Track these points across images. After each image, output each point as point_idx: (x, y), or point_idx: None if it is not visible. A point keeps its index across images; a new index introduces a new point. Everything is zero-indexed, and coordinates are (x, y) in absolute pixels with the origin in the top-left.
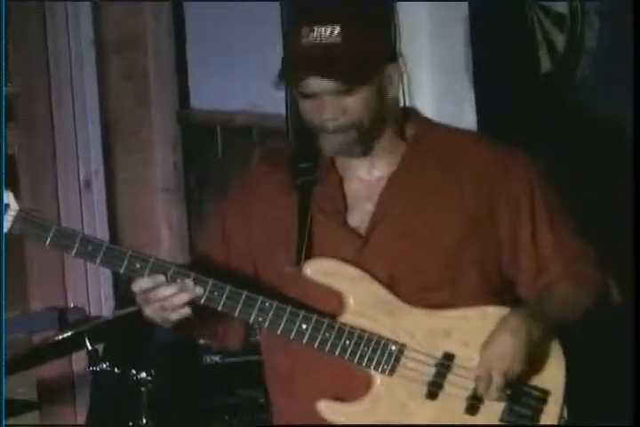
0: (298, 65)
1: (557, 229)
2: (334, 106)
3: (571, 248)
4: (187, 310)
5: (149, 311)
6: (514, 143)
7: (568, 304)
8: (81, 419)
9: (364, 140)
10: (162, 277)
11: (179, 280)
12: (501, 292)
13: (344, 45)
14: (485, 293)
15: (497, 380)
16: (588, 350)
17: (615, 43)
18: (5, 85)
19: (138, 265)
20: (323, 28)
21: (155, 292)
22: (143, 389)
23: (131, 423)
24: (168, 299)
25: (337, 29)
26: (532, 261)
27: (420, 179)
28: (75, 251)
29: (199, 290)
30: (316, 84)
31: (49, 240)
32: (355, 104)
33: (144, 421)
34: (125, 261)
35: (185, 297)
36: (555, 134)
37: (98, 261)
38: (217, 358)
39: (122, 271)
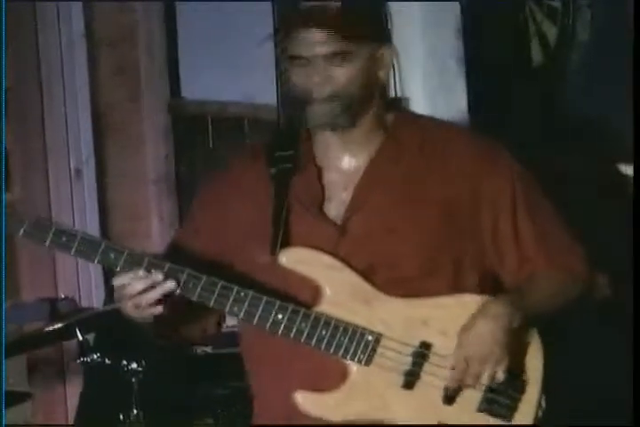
0: (295, 17)
1: (540, 222)
2: (323, 72)
3: (554, 241)
4: (159, 309)
5: (128, 308)
6: (505, 135)
7: (550, 294)
8: (72, 410)
9: (348, 112)
10: (138, 273)
11: (152, 272)
12: (482, 285)
13: (343, 8)
14: (463, 284)
15: (474, 367)
16: (589, 350)
17: (607, 36)
18: (5, 88)
19: (112, 256)
20: None
21: (128, 288)
22: (134, 379)
23: (121, 414)
24: (141, 295)
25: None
26: (514, 254)
27: (397, 169)
28: (48, 242)
29: (171, 284)
30: (309, 45)
31: (22, 232)
32: (343, 75)
33: (135, 411)
34: (99, 252)
35: (157, 293)
36: (545, 126)
37: (72, 251)
38: (208, 349)
39: (96, 262)
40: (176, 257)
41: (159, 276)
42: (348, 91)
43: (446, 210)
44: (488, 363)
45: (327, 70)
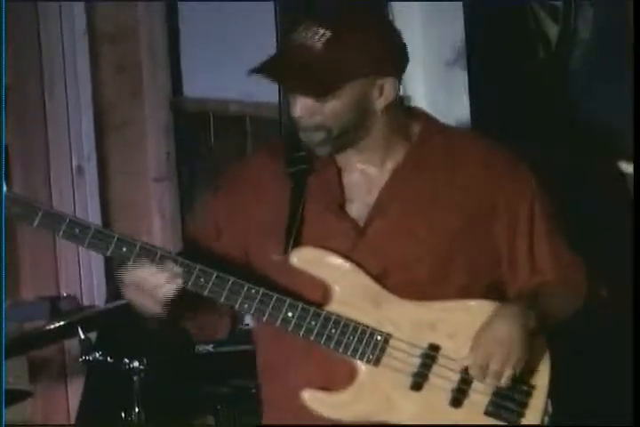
0: (269, 64)
1: (554, 240)
2: (303, 106)
3: (562, 255)
4: (171, 286)
5: (143, 302)
6: (506, 134)
7: (556, 303)
8: (73, 408)
9: (333, 144)
10: (150, 269)
11: (164, 266)
12: (489, 292)
13: (324, 54)
14: (474, 292)
15: (494, 366)
16: (589, 351)
17: (608, 34)
18: (5, 85)
19: (124, 249)
20: (316, 30)
21: (145, 283)
22: (136, 378)
23: (123, 412)
24: (157, 288)
25: (327, 36)
26: (527, 265)
27: (422, 177)
28: (62, 233)
29: (177, 269)
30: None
31: (37, 221)
32: (329, 109)
33: (136, 410)
34: (112, 245)
35: (172, 284)
36: (547, 125)
37: (85, 243)
38: (210, 348)
39: (108, 254)
40: (191, 254)
41: (171, 265)
42: (334, 123)
43: (466, 219)
44: (508, 362)
45: (309, 104)
